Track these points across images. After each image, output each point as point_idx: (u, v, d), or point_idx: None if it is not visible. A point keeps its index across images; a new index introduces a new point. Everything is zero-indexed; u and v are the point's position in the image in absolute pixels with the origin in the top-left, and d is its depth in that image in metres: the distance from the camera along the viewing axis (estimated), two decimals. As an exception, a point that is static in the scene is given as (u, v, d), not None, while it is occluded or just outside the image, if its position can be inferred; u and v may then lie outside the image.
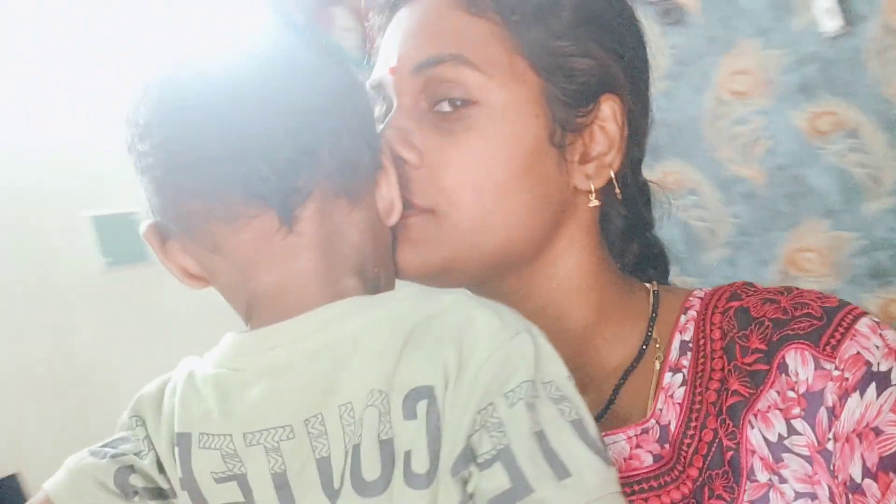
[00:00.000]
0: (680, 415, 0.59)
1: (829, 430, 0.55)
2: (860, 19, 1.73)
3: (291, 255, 0.49)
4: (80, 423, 1.41)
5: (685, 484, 0.57)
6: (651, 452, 0.58)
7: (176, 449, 0.49)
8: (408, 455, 0.45)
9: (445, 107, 0.60)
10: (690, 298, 0.65)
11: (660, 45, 1.89)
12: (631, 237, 0.69)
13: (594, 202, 0.63)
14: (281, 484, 0.46)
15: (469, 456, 0.44)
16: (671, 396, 0.60)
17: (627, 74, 0.63)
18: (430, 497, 0.44)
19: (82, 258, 1.60)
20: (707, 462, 0.57)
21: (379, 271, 0.54)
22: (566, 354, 0.57)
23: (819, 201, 1.83)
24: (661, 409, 0.60)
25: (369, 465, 0.45)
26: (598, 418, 0.58)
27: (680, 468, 0.57)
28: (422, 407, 0.45)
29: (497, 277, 0.62)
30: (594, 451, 0.44)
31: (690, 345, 0.62)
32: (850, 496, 0.54)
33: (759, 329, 0.59)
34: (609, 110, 0.62)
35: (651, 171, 0.71)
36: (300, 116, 0.48)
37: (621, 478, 0.53)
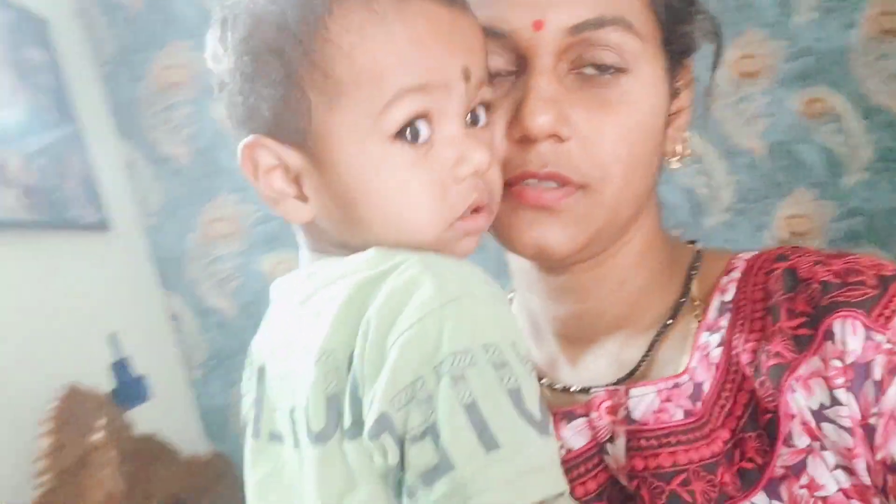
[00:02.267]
0: (716, 375, 0.57)
1: (875, 404, 0.52)
2: (847, 26, 2.09)
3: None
4: None
5: (715, 443, 0.56)
6: (682, 408, 0.58)
7: None
8: (341, 412, 0.47)
9: (591, 70, 0.56)
10: (734, 260, 0.63)
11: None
12: None
13: (675, 164, 0.63)
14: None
15: (386, 424, 0.44)
16: (707, 356, 0.59)
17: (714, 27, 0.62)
18: (340, 453, 0.46)
19: None
20: (741, 424, 0.55)
21: (342, 232, 0.52)
22: (616, 316, 0.63)
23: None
24: (695, 367, 0.59)
25: (316, 417, 0.47)
26: (633, 371, 0.61)
27: (711, 427, 0.56)
28: (344, 366, 0.46)
29: (607, 247, 0.61)
30: (529, 422, 0.43)
31: (730, 305, 0.60)
32: (888, 476, 0.51)
33: (806, 291, 0.56)
34: (686, 74, 0.62)
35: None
36: None
37: (649, 430, 0.57)
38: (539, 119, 0.53)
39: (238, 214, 2.31)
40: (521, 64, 0.56)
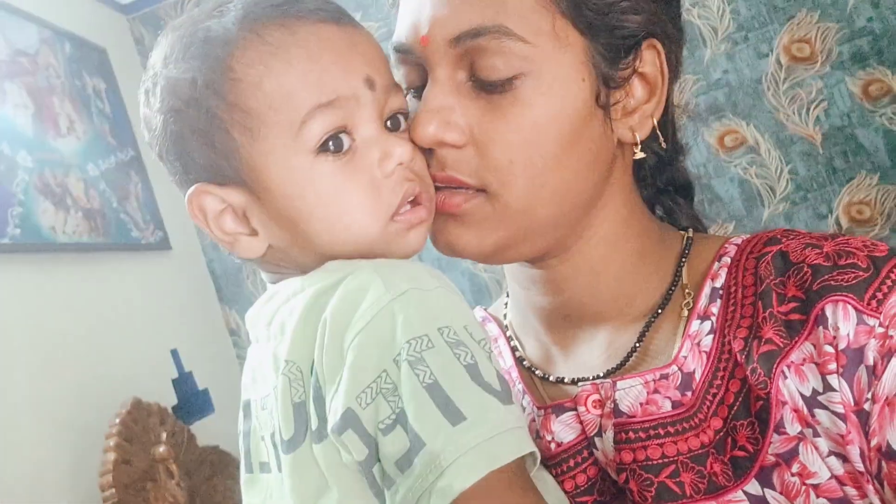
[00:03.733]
0: (707, 364, 0.56)
1: (868, 390, 0.50)
2: (761, 56, 2.07)
3: None
4: None
5: (705, 433, 0.55)
6: (670, 399, 0.57)
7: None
8: (308, 417, 0.48)
9: (488, 74, 0.55)
10: (726, 245, 0.62)
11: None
12: (662, 169, 0.68)
13: (640, 154, 0.60)
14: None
15: (350, 420, 0.45)
16: (698, 345, 0.58)
17: (663, 13, 0.59)
18: (312, 454, 0.47)
19: None
20: (732, 412, 0.54)
21: (296, 254, 0.54)
22: (599, 307, 0.63)
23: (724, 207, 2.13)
24: (685, 357, 0.58)
25: (286, 425, 0.48)
26: (623, 362, 0.60)
27: (701, 417, 0.55)
28: (307, 373, 0.48)
29: (551, 247, 0.60)
30: (489, 392, 0.45)
31: (721, 292, 0.59)
32: (883, 463, 0.49)
33: (796, 275, 0.55)
34: (649, 56, 0.58)
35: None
36: None
37: (637, 422, 0.56)
38: (419, 129, 0.55)
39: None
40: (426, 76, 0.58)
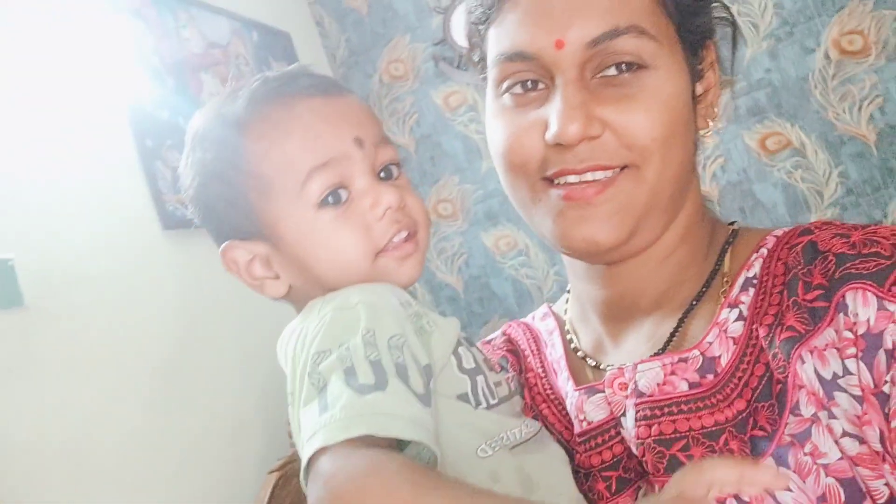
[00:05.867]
0: (735, 349, 0.59)
1: (887, 372, 0.52)
2: (807, 51, 1.86)
3: None
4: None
5: (722, 412, 0.57)
6: (687, 380, 0.60)
7: None
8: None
9: (612, 71, 0.60)
10: (767, 237, 0.65)
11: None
12: None
13: (707, 139, 0.66)
14: None
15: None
16: (725, 331, 0.61)
17: (714, 14, 0.66)
18: None
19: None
20: (755, 395, 0.57)
21: (311, 291, 0.63)
22: (653, 296, 0.68)
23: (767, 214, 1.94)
24: (710, 342, 0.61)
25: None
26: (662, 349, 0.65)
27: (721, 398, 0.58)
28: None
29: (656, 236, 0.65)
30: (353, 388, 0.50)
31: (755, 281, 0.62)
32: None
33: (822, 263, 0.57)
34: (708, 54, 0.66)
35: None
36: None
37: (653, 401, 0.61)
38: (570, 128, 0.59)
39: (461, 194, 2.43)
40: (550, 77, 0.62)
